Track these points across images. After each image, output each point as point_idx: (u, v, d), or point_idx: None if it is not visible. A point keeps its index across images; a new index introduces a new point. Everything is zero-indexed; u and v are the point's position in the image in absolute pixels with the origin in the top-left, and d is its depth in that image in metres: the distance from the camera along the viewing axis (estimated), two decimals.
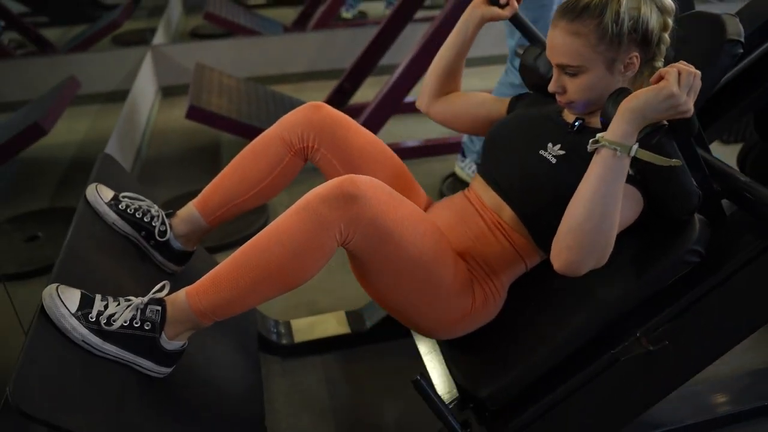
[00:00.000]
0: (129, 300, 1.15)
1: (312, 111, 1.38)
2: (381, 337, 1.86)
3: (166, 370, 1.18)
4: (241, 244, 1.16)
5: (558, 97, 1.26)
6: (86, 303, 1.11)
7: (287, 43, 4.21)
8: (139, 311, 1.13)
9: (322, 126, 1.37)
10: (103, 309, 1.11)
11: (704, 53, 1.23)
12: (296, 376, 1.78)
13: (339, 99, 3.33)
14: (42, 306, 1.08)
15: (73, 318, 1.07)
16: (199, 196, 1.41)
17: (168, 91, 3.91)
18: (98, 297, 1.13)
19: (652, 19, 1.16)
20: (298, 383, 1.76)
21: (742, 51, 1.24)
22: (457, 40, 1.47)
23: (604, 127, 1.10)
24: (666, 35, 1.19)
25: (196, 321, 1.16)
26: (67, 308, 1.07)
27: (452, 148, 2.99)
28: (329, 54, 4.06)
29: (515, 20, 1.50)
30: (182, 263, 1.44)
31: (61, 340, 1.06)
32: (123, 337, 1.11)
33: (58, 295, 1.08)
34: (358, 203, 1.09)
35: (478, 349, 1.31)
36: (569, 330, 1.22)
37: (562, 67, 1.21)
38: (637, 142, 1.05)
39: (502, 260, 1.29)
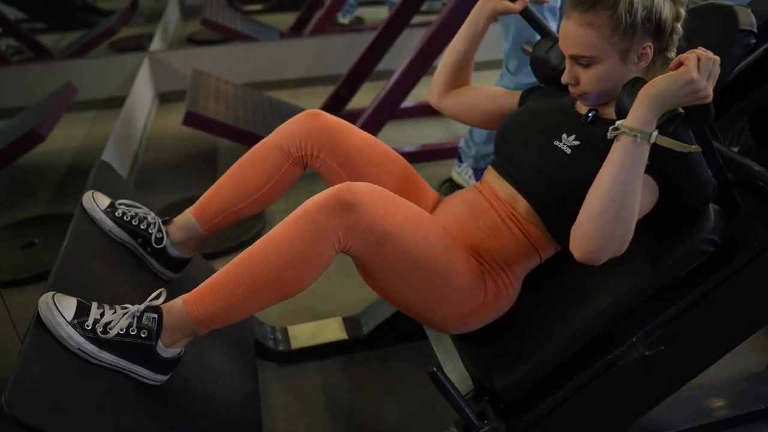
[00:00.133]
0: (125, 308, 1.15)
1: (309, 119, 1.38)
2: (378, 343, 1.86)
3: (163, 378, 1.18)
4: (238, 251, 1.16)
5: (571, 89, 1.26)
6: (82, 311, 1.10)
7: (284, 48, 4.21)
8: (135, 319, 1.13)
9: (321, 134, 1.37)
10: (99, 317, 1.11)
11: (716, 44, 1.22)
12: (293, 382, 1.77)
13: (336, 104, 3.33)
14: (38, 314, 1.07)
15: (69, 326, 1.07)
16: (197, 203, 1.41)
17: (165, 97, 3.90)
18: (94, 305, 1.13)
19: (665, 9, 1.16)
20: (295, 389, 1.75)
21: (754, 41, 1.24)
22: (468, 34, 1.47)
23: (619, 117, 1.10)
24: (678, 25, 1.19)
25: (193, 329, 1.16)
26: (63, 316, 1.07)
27: (449, 153, 2.99)
28: (326, 60, 4.07)
29: (526, 14, 1.50)
30: (179, 270, 1.44)
31: (57, 348, 1.06)
32: (119, 345, 1.11)
33: (54, 304, 1.08)
34: (356, 210, 1.09)
35: (493, 341, 1.31)
36: (585, 320, 1.22)
37: (576, 58, 1.21)
38: (656, 129, 1.06)
39: (517, 252, 1.29)
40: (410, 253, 1.17)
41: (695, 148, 1.09)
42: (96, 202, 1.38)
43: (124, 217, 1.38)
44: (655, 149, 1.08)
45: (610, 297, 1.22)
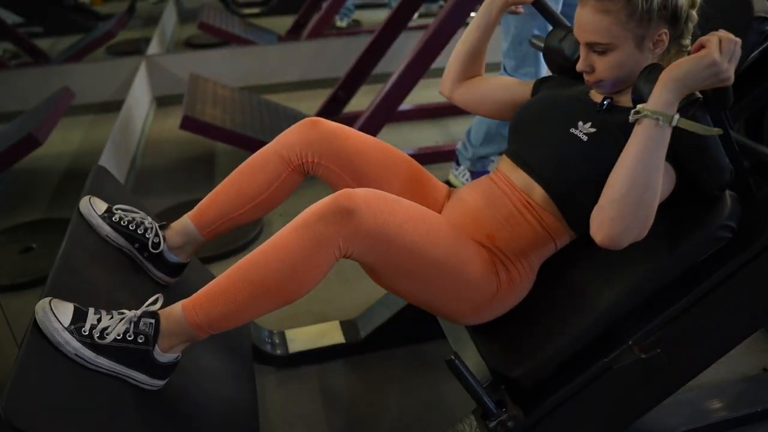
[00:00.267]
0: (122, 313, 1.15)
1: (309, 128, 1.37)
2: (376, 347, 1.86)
3: (160, 383, 1.18)
4: (235, 254, 1.17)
5: (586, 76, 1.26)
6: (79, 316, 1.11)
7: (281, 52, 4.22)
8: (132, 324, 1.13)
9: (320, 141, 1.36)
10: (96, 322, 1.11)
11: (731, 31, 1.22)
12: (291, 386, 1.77)
13: (333, 108, 3.33)
14: (35, 320, 1.08)
15: (66, 332, 1.07)
16: (195, 209, 1.41)
17: (162, 101, 3.91)
18: (91, 310, 1.13)
19: None
20: (292, 393, 1.75)
21: None
22: (481, 24, 1.47)
23: (635, 104, 1.11)
24: (694, 12, 1.20)
25: (192, 334, 1.16)
26: (60, 322, 1.07)
27: (446, 156, 2.99)
28: (323, 63, 4.07)
29: (538, 5, 1.51)
30: (176, 275, 1.44)
31: (54, 354, 1.06)
32: (116, 351, 1.11)
33: (51, 309, 1.08)
34: (354, 217, 1.09)
35: (509, 329, 1.30)
36: (601, 308, 1.22)
37: (591, 46, 1.21)
38: (678, 111, 1.06)
39: (533, 241, 1.28)
40: (414, 253, 1.17)
41: (717, 130, 1.09)
42: (93, 207, 1.38)
43: (121, 222, 1.38)
44: (674, 133, 1.08)
45: (627, 283, 1.21)
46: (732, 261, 1.20)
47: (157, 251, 1.38)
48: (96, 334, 1.10)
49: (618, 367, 1.20)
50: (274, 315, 1.18)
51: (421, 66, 2.72)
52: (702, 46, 1.06)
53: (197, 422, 1.28)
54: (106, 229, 1.37)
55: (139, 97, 3.59)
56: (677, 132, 1.08)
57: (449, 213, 1.37)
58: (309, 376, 1.81)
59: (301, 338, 1.88)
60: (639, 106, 1.09)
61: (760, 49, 1.38)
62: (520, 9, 1.46)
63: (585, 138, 1.24)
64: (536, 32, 2.17)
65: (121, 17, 4.54)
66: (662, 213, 1.16)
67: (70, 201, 1.46)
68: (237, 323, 1.17)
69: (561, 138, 1.27)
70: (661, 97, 1.07)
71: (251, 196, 1.38)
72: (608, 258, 1.12)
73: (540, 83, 1.47)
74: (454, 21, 2.63)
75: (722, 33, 1.06)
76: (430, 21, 3.22)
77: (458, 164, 2.72)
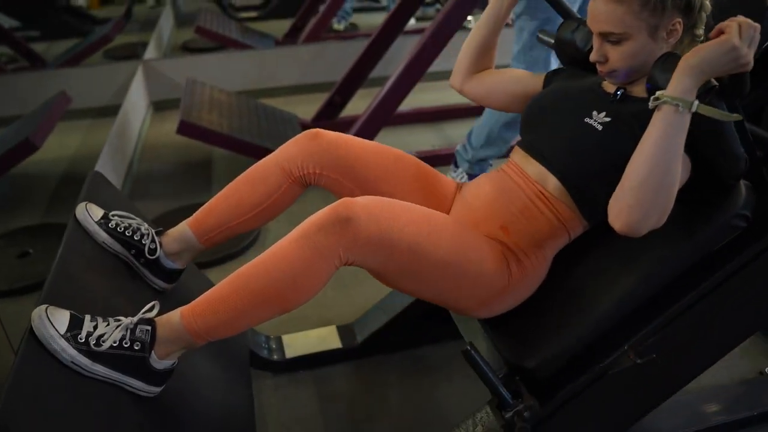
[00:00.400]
0: (118, 320, 1.15)
1: (310, 140, 1.37)
2: (373, 351, 1.86)
3: (156, 390, 1.18)
4: (232, 260, 1.17)
5: (599, 67, 1.26)
6: (75, 324, 1.10)
7: (279, 56, 4.22)
8: (128, 331, 1.13)
9: (321, 153, 1.36)
10: (92, 330, 1.11)
11: None
12: (288, 391, 1.77)
13: (330, 112, 3.34)
14: (31, 327, 1.07)
15: (62, 339, 1.07)
16: (193, 216, 1.41)
17: (159, 106, 3.91)
18: (87, 317, 1.13)
19: None
20: (289, 399, 1.75)
21: None
22: (491, 17, 1.46)
23: (650, 94, 1.11)
24: (707, 2, 1.20)
25: (190, 341, 1.16)
26: (56, 330, 1.07)
27: (444, 159, 2.99)
28: (320, 66, 4.08)
29: None
30: (173, 281, 1.44)
31: (50, 361, 1.06)
32: (112, 358, 1.11)
33: (47, 317, 1.08)
34: (353, 226, 1.09)
35: (523, 319, 1.29)
36: (615, 297, 1.21)
37: (605, 36, 1.21)
38: (696, 98, 1.07)
39: (547, 232, 1.28)
40: (417, 254, 1.17)
41: (736, 116, 1.09)
42: (89, 213, 1.38)
43: (118, 228, 1.38)
44: (692, 120, 1.08)
45: (642, 272, 1.21)
46: (747, 250, 1.20)
47: (154, 257, 1.38)
48: (92, 342, 1.10)
49: (638, 358, 1.19)
50: (271, 320, 1.18)
51: (418, 69, 2.72)
52: (721, 32, 1.06)
53: (193, 429, 1.28)
54: (102, 235, 1.37)
55: (136, 101, 3.59)
56: (696, 118, 1.08)
57: (459, 208, 1.37)
58: (306, 380, 1.80)
59: (298, 343, 1.88)
60: (658, 93, 1.09)
61: None
62: None
63: (600, 127, 1.24)
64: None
65: (118, 21, 4.54)
66: (677, 203, 1.15)
67: (68, 205, 1.46)
68: (236, 331, 1.17)
69: (575, 128, 1.27)
70: (681, 83, 1.06)
71: (251, 206, 1.38)
72: (623, 247, 1.12)
73: (552, 75, 1.47)
74: (451, 25, 2.64)
75: (741, 18, 1.05)
76: (427, 25, 3.23)
77: (456, 166, 2.72)
